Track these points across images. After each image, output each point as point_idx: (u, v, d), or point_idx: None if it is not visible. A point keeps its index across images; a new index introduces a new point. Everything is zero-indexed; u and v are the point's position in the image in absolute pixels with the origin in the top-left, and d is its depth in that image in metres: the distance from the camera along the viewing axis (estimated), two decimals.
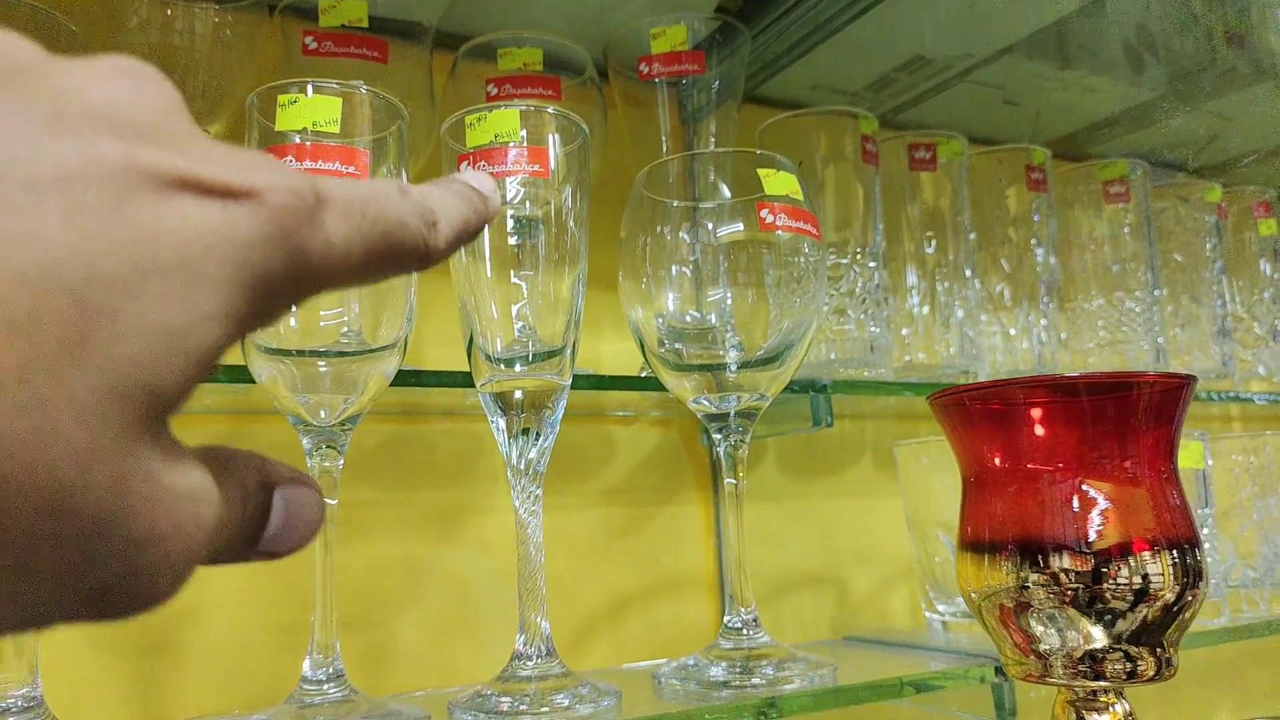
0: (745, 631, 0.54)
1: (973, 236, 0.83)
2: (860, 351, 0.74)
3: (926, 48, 0.84)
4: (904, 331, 0.79)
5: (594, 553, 0.77)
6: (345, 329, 0.48)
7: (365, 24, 0.62)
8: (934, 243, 0.80)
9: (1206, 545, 0.69)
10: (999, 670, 0.56)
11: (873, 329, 0.73)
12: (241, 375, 0.46)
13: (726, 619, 0.56)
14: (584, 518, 0.77)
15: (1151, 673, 0.42)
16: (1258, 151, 1.14)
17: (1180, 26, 0.93)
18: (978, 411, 0.45)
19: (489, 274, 0.52)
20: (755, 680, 0.50)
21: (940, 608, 0.66)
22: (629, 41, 0.73)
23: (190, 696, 0.62)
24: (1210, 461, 0.70)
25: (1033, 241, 0.85)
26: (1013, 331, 0.84)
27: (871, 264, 0.75)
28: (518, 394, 0.51)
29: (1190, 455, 0.67)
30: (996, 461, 0.45)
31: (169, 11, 0.60)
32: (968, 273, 0.81)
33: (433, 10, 0.73)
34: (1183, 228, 0.98)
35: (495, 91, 0.66)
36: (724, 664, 0.52)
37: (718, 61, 0.75)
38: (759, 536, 0.83)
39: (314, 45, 0.61)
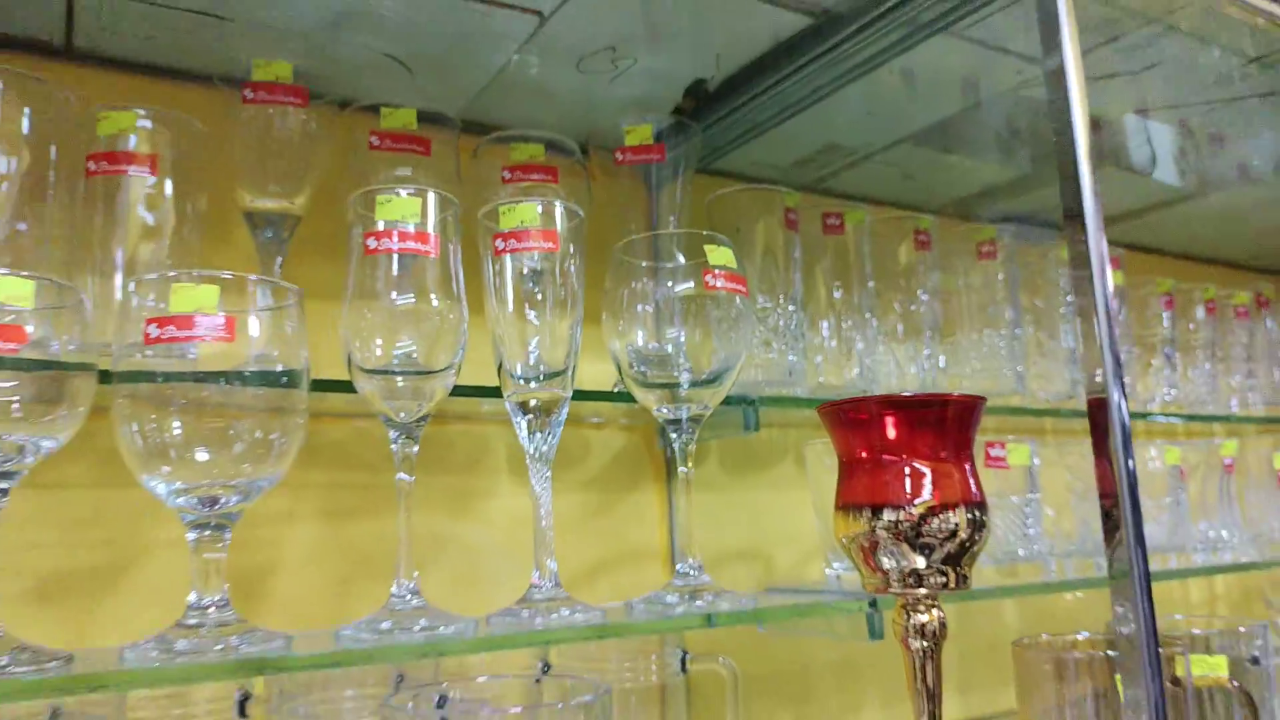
0: (691, 574, 0.76)
1: (872, 284, 1.06)
2: (782, 374, 0.97)
3: (838, 138, 1.08)
4: (817, 359, 1.02)
5: (573, 529, 0.98)
6: (415, 355, 0.69)
7: (415, 126, 0.83)
8: (841, 290, 1.03)
9: (1029, 522, 0.93)
10: (872, 604, 0.79)
11: (791, 357, 0.96)
12: (348, 388, 0.67)
13: (679, 566, 0.77)
14: (565, 501, 0.98)
15: (954, 585, 0.64)
16: (1109, 217, 1.40)
17: (1041, 118, 1.18)
18: (848, 417, 0.68)
19: (511, 315, 0.73)
20: (699, 604, 0.72)
21: (835, 565, 0.88)
22: (608, 134, 0.95)
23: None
24: (1037, 461, 0.93)
25: (919, 290, 1.08)
26: (903, 360, 1.07)
27: (791, 307, 0.98)
28: (533, 402, 0.73)
29: (1019, 455, 0.91)
30: (860, 452, 0.67)
31: (269, 111, 0.80)
32: (867, 314, 1.05)
33: (456, 105, 0.95)
34: (1043, 278, 1.22)
35: (509, 176, 0.87)
36: (676, 595, 0.74)
37: (674, 148, 0.97)
38: (702, 519, 1.04)
39: (377, 142, 0.82)
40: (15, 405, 0.56)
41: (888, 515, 0.64)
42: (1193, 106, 1.19)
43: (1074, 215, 0.75)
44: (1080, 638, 0.77)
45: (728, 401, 0.88)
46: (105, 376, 0.60)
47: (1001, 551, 0.90)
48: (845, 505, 0.67)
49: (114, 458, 0.77)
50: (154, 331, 0.57)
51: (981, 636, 1.19)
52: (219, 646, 0.57)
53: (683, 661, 0.87)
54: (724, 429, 0.95)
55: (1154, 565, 1.06)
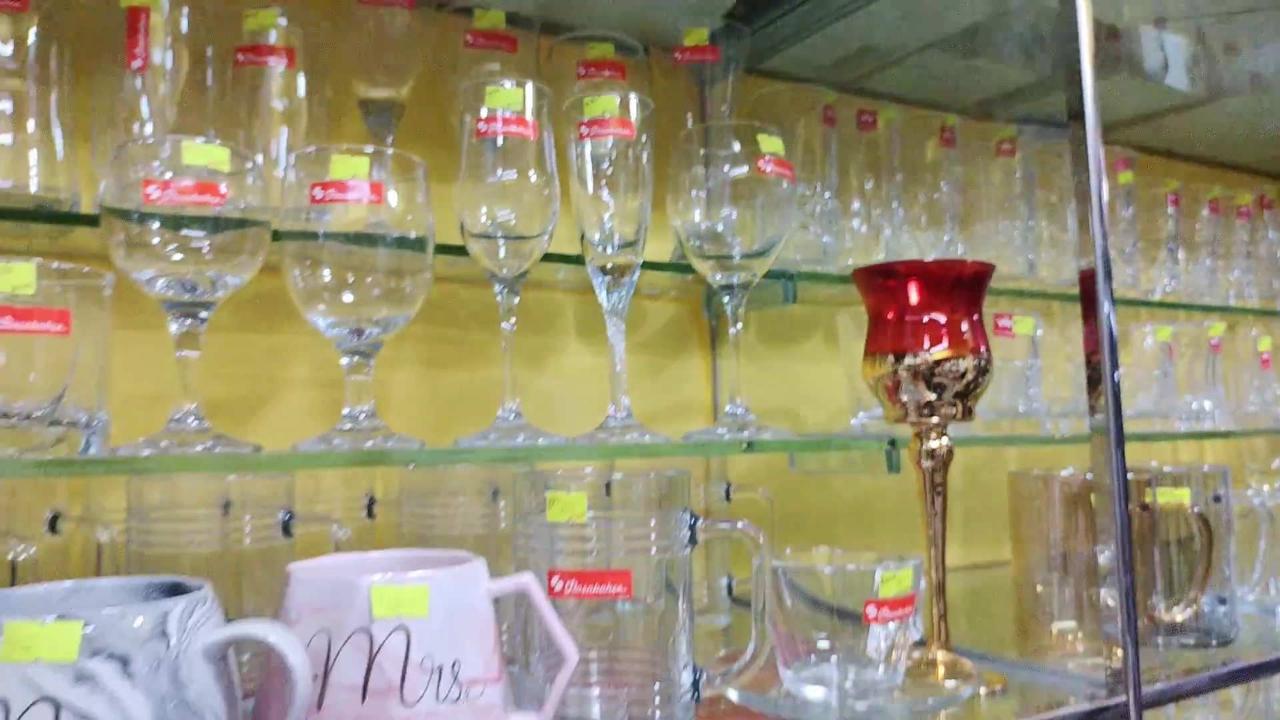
0: (738, 414, 0.90)
1: (899, 177, 1.18)
2: (817, 254, 1.10)
3: (874, 42, 1.18)
4: (848, 243, 1.14)
5: (630, 387, 1.12)
6: (514, 223, 0.82)
7: (503, 26, 0.95)
8: (871, 181, 1.15)
9: (1030, 384, 1.07)
10: (891, 442, 0.93)
11: (826, 239, 1.09)
12: (461, 251, 0.81)
13: (727, 407, 0.92)
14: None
15: (960, 416, 0.78)
16: (1121, 121, 1.50)
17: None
18: (878, 280, 0.81)
19: (591, 193, 0.86)
20: (744, 434, 0.86)
21: (861, 415, 1.03)
22: (667, 35, 1.06)
23: None
24: (1040, 331, 1.07)
25: (942, 183, 1.20)
26: (925, 246, 1.20)
27: (827, 194, 1.10)
28: (609, 265, 0.86)
29: (1024, 326, 1.04)
30: (887, 309, 0.81)
31: (380, 11, 0.92)
32: (894, 204, 1.17)
33: (534, 8, 1.06)
34: (1057, 175, 1.33)
35: (583, 72, 0.99)
36: (725, 429, 0.88)
37: (726, 49, 1.08)
38: (742, 385, 1.18)
39: (471, 40, 0.94)
40: (207, 249, 0.70)
41: (909, 360, 0.78)
42: (1207, 17, 1.28)
43: (1076, 115, 0.86)
44: (1066, 472, 0.91)
45: (770, 275, 1.01)
46: (274, 235, 0.74)
47: (1004, 407, 1.04)
48: (873, 353, 0.81)
49: (254, 306, 0.92)
50: (318, 194, 0.71)
51: (983, 497, 1.34)
52: (369, 443, 0.72)
53: (727, 491, 1.03)
54: (766, 302, 1.09)
55: (1139, 427, 1.20)
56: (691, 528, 0.62)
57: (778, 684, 0.72)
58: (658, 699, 0.61)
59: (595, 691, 0.62)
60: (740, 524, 0.63)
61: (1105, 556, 0.84)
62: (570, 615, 0.60)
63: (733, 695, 0.70)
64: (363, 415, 0.75)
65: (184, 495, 0.73)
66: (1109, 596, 0.83)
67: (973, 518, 1.35)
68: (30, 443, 0.62)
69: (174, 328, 0.69)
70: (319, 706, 0.50)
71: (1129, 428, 0.84)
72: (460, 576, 0.54)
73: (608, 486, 0.62)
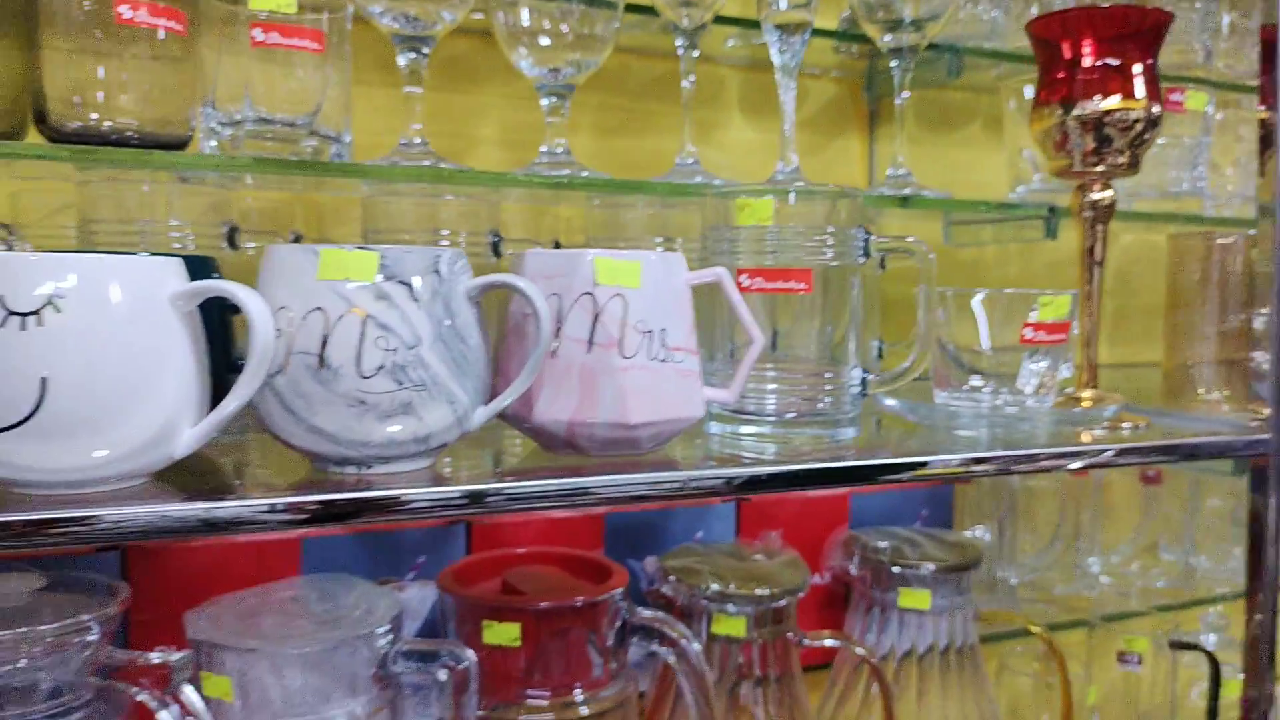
0: (900, 175, 0.95)
1: None
2: (984, 31, 1.10)
3: None
4: (1015, 21, 1.13)
5: None
6: None
7: None
8: None
9: (1198, 162, 1.06)
10: (1051, 210, 0.96)
11: (995, 13, 1.08)
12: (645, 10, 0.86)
13: (889, 170, 0.96)
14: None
15: (1127, 165, 0.81)
16: None
17: None
18: (1054, 29, 0.82)
19: None
20: (905, 191, 0.91)
21: (1020, 188, 1.05)
22: None
23: None
24: (1210, 109, 1.05)
25: None
26: None
27: None
28: (783, 22, 0.90)
29: (1196, 101, 1.03)
30: (1059, 61, 0.82)
31: None
32: None
33: None
34: None
35: None
36: (887, 186, 0.93)
37: None
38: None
39: None
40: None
41: (1078, 110, 0.80)
42: None
43: None
44: (1229, 238, 0.92)
45: (933, 48, 1.02)
46: None
47: (1168, 183, 1.04)
48: (1043, 103, 0.83)
49: (450, 67, 0.99)
50: None
51: (1135, 298, 1.35)
52: (565, 171, 0.81)
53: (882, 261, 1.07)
54: (926, 81, 1.10)
55: None
56: (865, 241, 0.68)
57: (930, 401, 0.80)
58: (828, 389, 0.69)
59: (770, 385, 0.70)
60: (911, 239, 0.69)
61: (1260, 321, 0.86)
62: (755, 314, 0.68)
63: (890, 402, 0.78)
64: (560, 151, 0.83)
65: (404, 219, 0.84)
66: (1262, 360, 0.86)
67: (1123, 317, 1.37)
68: (289, 150, 0.72)
69: (401, 61, 0.78)
70: (553, 353, 0.59)
71: None
72: (666, 259, 0.62)
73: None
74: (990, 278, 1.28)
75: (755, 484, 0.61)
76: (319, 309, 0.52)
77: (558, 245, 0.97)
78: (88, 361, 0.47)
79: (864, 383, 0.70)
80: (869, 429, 0.76)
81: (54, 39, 0.66)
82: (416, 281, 0.54)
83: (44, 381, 0.46)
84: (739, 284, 0.66)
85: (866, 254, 0.68)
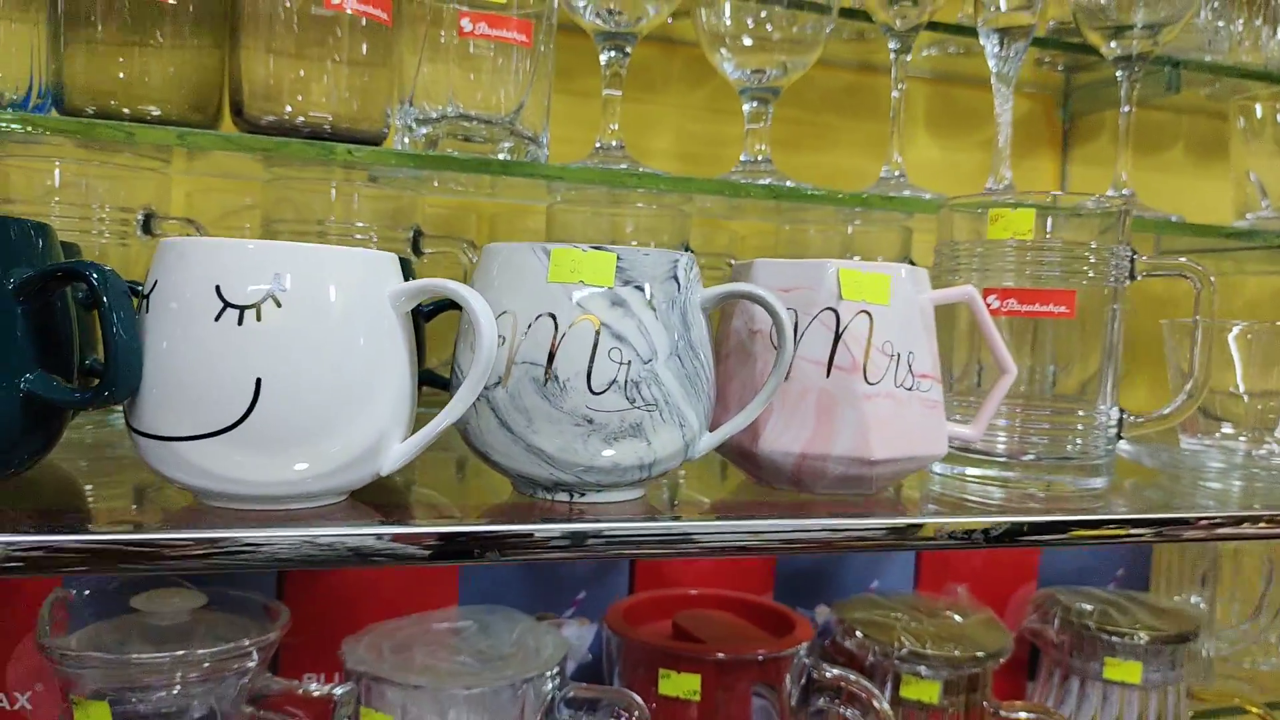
0: (1122, 196, 0.85)
1: None
2: (1201, 43, 1.00)
3: None
4: (1239, 27, 1.03)
5: (972, 184, 1.08)
6: None
7: None
8: None
9: None
10: None
11: (1220, 23, 0.98)
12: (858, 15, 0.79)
13: (1110, 191, 0.87)
14: (965, 159, 1.09)
15: None
16: None
17: None
18: None
19: None
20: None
21: (1249, 216, 0.94)
22: None
23: None
24: None
25: None
26: None
27: None
28: (1005, 25, 0.82)
29: None
30: None
31: None
32: None
33: None
34: None
35: None
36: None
37: None
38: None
39: None
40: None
41: None
42: None
43: None
44: None
45: (1158, 61, 0.93)
46: None
47: None
48: None
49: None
50: None
51: None
52: (766, 179, 0.74)
53: None
54: (1141, 94, 1.00)
55: None
56: (1131, 261, 0.60)
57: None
58: (1079, 430, 0.61)
59: (1004, 421, 0.62)
60: (1184, 259, 0.60)
61: None
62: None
63: (1125, 446, 0.68)
64: (760, 160, 0.77)
65: (589, 229, 0.78)
66: None
67: None
68: (488, 150, 0.67)
69: (603, 59, 0.73)
70: (785, 376, 0.52)
71: None
72: (914, 273, 0.55)
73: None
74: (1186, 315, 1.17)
75: (1014, 534, 0.53)
76: (549, 314, 0.46)
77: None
78: (307, 363, 0.42)
79: (1121, 423, 0.61)
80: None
81: (254, 32, 0.63)
82: (654, 288, 0.47)
83: (259, 383, 0.42)
84: (986, 304, 0.58)
85: (1132, 275, 0.60)
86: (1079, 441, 0.60)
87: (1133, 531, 0.55)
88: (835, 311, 0.52)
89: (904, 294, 0.54)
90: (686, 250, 0.77)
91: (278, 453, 0.43)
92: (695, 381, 0.49)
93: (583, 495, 0.50)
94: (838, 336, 0.52)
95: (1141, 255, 0.60)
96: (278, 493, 0.44)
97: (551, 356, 0.46)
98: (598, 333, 0.46)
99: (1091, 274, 0.59)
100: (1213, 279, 0.58)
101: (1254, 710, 0.93)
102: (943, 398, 0.56)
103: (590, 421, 0.46)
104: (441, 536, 0.45)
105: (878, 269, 0.53)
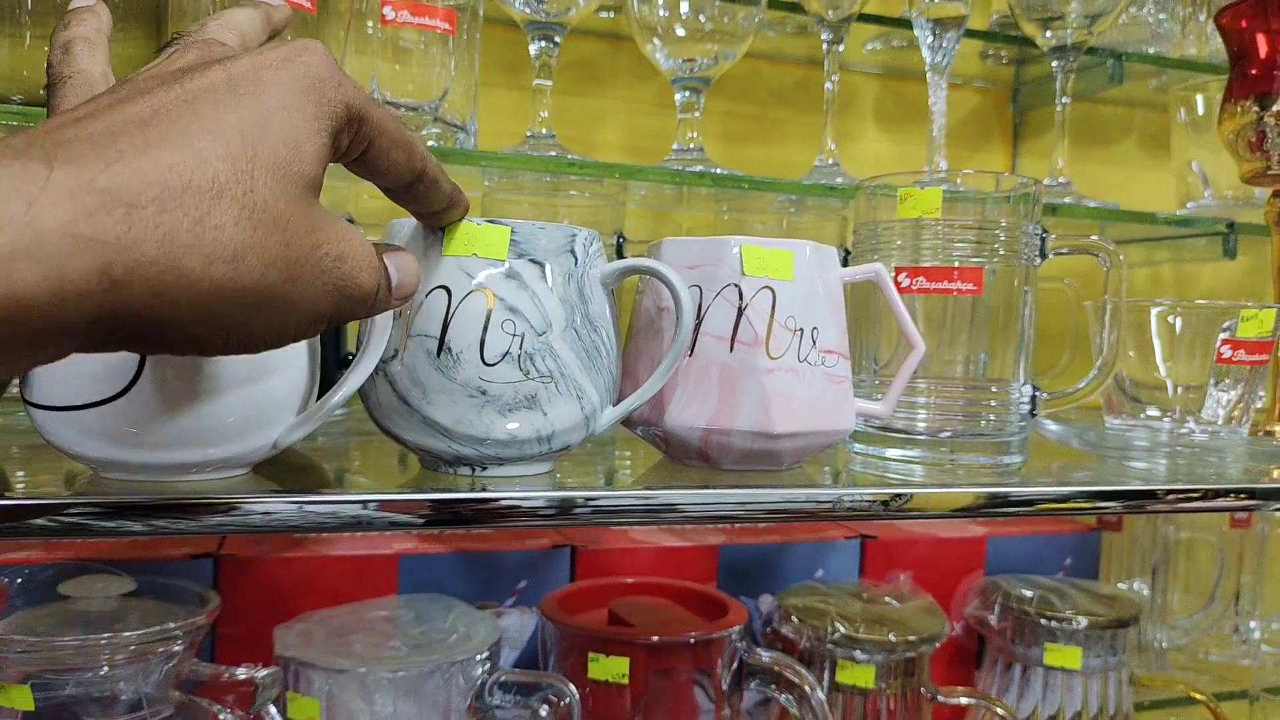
0: (1058, 186, 0.86)
1: None
2: (1146, 36, 1.01)
3: None
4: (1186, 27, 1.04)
5: None
6: None
7: None
8: None
9: None
10: (1229, 225, 0.86)
11: (1161, 16, 0.99)
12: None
13: (1047, 179, 0.87)
14: (920, 154, 1.09)
15: None
16: None
17: None
18: (1244, 17, 0.73)
19: None
20: (1065, 199, 0.82)
21: (1189, 204, 0.95)
22: None
23: None
24: None
25: None
26: None
27: None
28: (936, 15, 0.83)
29: None
30: (1254, 52, 0.73)
31: None
32: None
33: None
34: None
35: None
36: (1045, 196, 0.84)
37: None
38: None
39: None
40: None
41: (1277, 105, 0.71)
42: None
43: None
44: None
45: (1094, 52, 0.94)
46: None
47: None
48: (1235, 100, 0.74)
49: (574, 71, 0.95)
50: None
51: None
52: (698, 168, 0.75)
53: None
54: (1078, 93, 1.01)
55: None
56: (1042, 239, 0.60)
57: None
58: (993, 406, 0.61)
59: (921, 399, 0.63)
60: (1094, 237, 0.61)
61: None
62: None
63: (1051, 426, 0.69)
64: (693, 148, 0.77)
65: (525, 218, 0.78)
66: None
67: None
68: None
69: (532, 50, 0.73)
70: (690, 351, 0.53)
71: None
72: (820, 250, 0.55)
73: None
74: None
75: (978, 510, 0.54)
76: (443, 287, 0.47)
77: None
78: None
79: (1034, 400, 0.61)
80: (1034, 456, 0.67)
81: (182, 22, 0.63)
82: (549, 262, 0.48)
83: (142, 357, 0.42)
84: (896, 283, 0.59)
85: (1043, 255, 0.60)
86: (992, 418, 0.61)
87: (1100, 504, 0.57)
88: (738, 287, 0.53)
89: (808, 271, 0.54)
90: (619, 238, 0.77)
91: (166, 423, 0.43)
92: (594, 355, 0.49)
93: (484, 469, 0.50)
94: (740, 312, 0.53)
95: (1052, 234, 0.60)
96: (168, 461, 0.45)
97: (445, 329, 0.46)
98: (490, 305, 0.46)
99: (1003, 251, 0.60)
100: (1122, 257, 0.59)
101: (1200, 698, 0.93)
102: (850, 374, 0.56)
103: (484, 393, 0.47)
104: (435, 505, 0.46)
105: (781, 245, 0.54)
